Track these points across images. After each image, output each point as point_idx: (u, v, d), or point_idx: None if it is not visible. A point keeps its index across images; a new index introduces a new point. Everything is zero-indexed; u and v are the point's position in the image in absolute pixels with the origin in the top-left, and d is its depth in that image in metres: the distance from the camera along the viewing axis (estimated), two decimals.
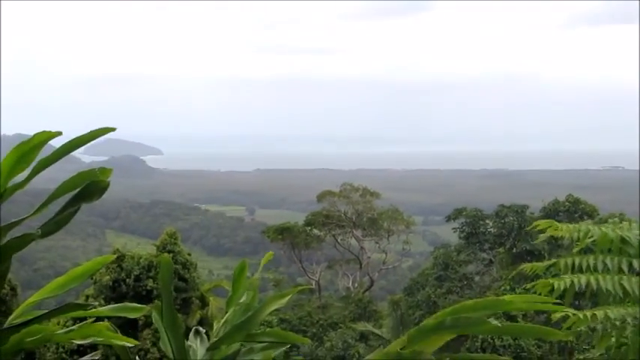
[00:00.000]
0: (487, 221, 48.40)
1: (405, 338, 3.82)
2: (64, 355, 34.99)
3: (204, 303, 38.73)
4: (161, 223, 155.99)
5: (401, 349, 3.80)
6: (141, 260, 38.40)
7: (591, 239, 7.56)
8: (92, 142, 3.86)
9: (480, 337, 37.09)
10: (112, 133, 3.86)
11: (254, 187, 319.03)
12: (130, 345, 4.40)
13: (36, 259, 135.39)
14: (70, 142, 3.73)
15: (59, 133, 3.68)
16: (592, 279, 7.33)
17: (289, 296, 4.71)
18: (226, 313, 4.83)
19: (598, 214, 46.25)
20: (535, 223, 8.33)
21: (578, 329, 7.52)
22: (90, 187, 3.80)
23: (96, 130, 3.80)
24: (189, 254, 40.99)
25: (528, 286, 7.47)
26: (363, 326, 41.94)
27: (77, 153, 4.15)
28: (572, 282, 7.32)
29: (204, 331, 4.76)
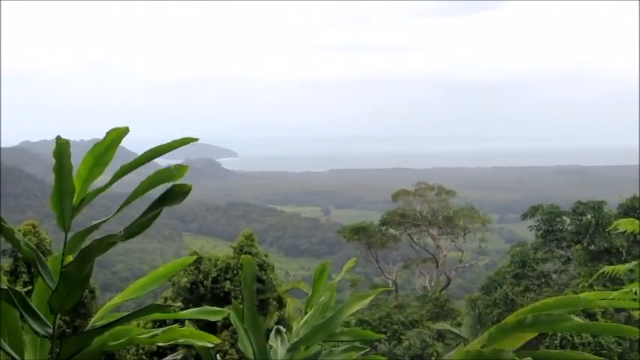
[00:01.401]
0: (564, 218, 47.78)
1: (486, 336, 3.80)
2: (143, 356, 35.37)
3: (281, 304, 38.84)
4: (237, 225, 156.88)
5: (481, 347, 3.78)
6: (218, 262, 38.64)
7: None
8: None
9: (559, 335, 36.66)
10: (187, 135, 3.88)
11: (329, 187, 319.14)
12: (211, 345, 4.43)
13: (114, 262, 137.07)
14: (151, 150, 3.78)
15: (127, 129, 3.72)
16: None
17: (371, 297, 4.71)
18: (306, 313, 4.84)
19: None
20: (615, 223, 8.20)
21: None
22: (172, 190, 3.84)
23: (178, 140, 3.83)
24: (266, 255, 41.14)
25: (614, 295, 7.29)
26: (441, 325, 41.75)
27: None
28: None
29: (284, 330, 4.78)
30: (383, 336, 6.46)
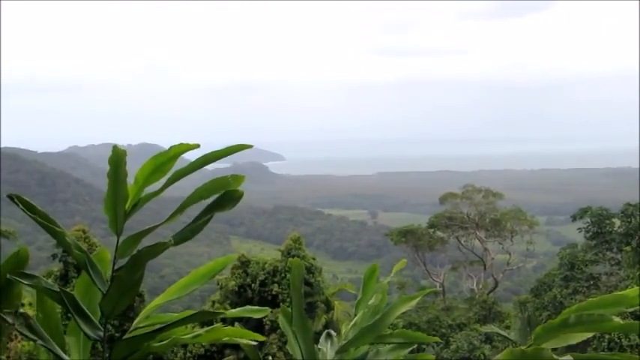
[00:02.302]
0: (613, 220, 47.34)
1: (532, 337, 3.81)
2: (191, 359, 35.55)
3: (329, 307, 38.89)
4: (284, 229, 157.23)
5: (526, 347, 3.78)
6: (266, 265, 38.78)
7: None
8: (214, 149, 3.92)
9: (607, 336, 36.39)
10: (235, 139, 3.92)
11: (376, 190, 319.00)
12: (256, 342, 4.45)
13: (162, 266, 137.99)
14: (205, 155, 3.81)
15: (197, 146, 3.76)
16: None
17: (418, 299, 4.70)
18: (355, 315, 4.85)
19: None
20: None
21: None
22: (225, 196, 3.87)
23: (232, 147, 3.86)
24: (313, 258, 41.23)
25: None
26: (489, 328, 41.52)
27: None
28: None
29: (335, 334, 4.79)
30: (437, 339, 6.41)
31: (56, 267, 35.30)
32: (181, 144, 3.75)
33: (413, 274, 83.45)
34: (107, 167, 3.71)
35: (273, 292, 37.79)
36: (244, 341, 4.35)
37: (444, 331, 47.17)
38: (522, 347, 3.71)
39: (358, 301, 4.87)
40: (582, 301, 3.71)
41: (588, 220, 47.35)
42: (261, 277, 38.29)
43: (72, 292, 3.95)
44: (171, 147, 3.74)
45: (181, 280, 4.33)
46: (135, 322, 4.21)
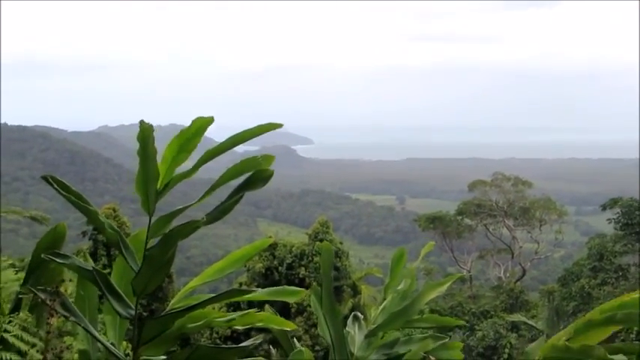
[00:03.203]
0: None
1: (572, 330, 3.78)
2: (217, 340, 35.68)
3: (355, 291, 38.92)
4: (311, 212, 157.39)
5: (566, 340, 3.75)
6: (293, 249, 38.82)
7: None
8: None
9: (635, 328, 36.22)
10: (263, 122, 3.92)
11: (404, 176, 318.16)
12: (288, 330, 4.47)
13: (189, 247, 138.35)
14: (236, 135, 3.82)
15: (212, 119, 3.76)
16: None
17: (448, 284, 4.70)
18: (384, 300, 4.85)
19: None
20: None
21: None
22: (255, 175, 3.88)
23: (263, 125, 3.87)
24: (341, 243, 41.25)
25: None
26: (516, 317, 41.44)
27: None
28: None
29: (362, 317, 4.80)
30: (463, 322, 6.42)
31: (86, 245, 35.49)
32: (199, 117, 3.76)
33: (440, 260, 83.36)
34: (137, 147, 3.71)
35: (300, 276, 37.84)
36: (277, 327, 4.38)
37: (467, 318, 47.07)
38: (564, 340, 3.69)
39: (386, 286, 4.87)
40: (611, 293, 3.69)
41: (618, 210, 47.01)
42: (289, 260, 38.35)
43: (104, 271, 3.98)
44: (192, 121, 3.74)
45: (216, 263, 4.35)
46: (171, 302, 4.24)
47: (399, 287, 4.79)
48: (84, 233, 35.70)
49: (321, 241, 38.82)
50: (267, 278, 38.12)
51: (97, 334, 4.10)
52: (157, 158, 3.73)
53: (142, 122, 3.69)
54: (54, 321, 4.50)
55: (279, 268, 38.36)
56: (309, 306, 33.21)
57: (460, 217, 60.35)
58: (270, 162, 3.88)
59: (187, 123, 3.75)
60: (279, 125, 3.88)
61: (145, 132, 3.68)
